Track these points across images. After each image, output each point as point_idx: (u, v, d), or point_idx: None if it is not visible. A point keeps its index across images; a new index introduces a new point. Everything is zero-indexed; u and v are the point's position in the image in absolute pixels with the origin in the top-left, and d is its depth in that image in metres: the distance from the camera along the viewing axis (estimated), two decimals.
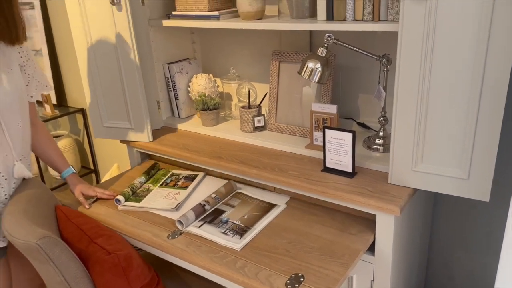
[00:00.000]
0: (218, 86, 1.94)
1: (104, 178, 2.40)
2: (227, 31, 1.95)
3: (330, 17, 1.39)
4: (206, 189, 1.60)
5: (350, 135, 1.33)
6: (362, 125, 1.66)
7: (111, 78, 1.72)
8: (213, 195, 1.50)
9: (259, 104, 1.75)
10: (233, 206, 1.47)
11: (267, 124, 1.75)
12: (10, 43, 1.27)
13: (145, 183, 1.69)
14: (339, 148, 1.37)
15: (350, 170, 1.37)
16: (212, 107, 1.83)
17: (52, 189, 2.81)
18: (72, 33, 1.71)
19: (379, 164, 1.39)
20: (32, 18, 2.75)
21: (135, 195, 1.61)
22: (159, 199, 1.56)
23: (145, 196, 1.59)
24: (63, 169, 1.58)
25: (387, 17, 1.29)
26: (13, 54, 1.31)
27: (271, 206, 1.46)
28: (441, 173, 1.22)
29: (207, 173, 1.71)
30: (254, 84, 1.90)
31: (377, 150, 1.49)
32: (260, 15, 1.58)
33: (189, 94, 1.95)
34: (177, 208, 1.49)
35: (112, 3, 1.56)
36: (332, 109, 1.47)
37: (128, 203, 1.55)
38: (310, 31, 1.70)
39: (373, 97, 1.47)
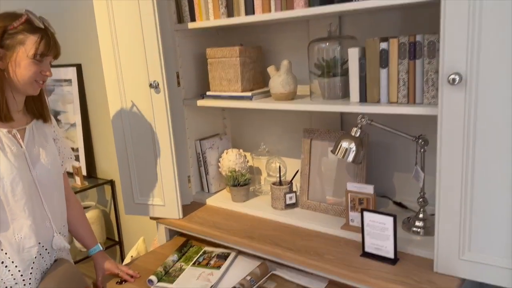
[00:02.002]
0: (248, 161, 1.94)
1: (130, 252, 2.36)
2: (255, 108, 1.99)
3: (363, 99, 1.41)
4: (240, 269, 1.54)
5: (391, 219, 1.28)
6: (399, 204, 1.61)
7: (145, 156, 1.75)
8: (248, 277, 1.44)
9: (291, 181, 1.74)
10: None
11: (298, 201, 1.72)
12: (45, 121, 1.41)
13: (177, 261, 1.66)
14: (379, 232, 1.31)
15: (391, 256, 1.30)
16: (243, 183, 1.82)
17: (76, 262, 2.77)
18: (110, 112, 1.77)
19: (421, 249, 1.33)
20: (69, 94, 2.89)
21: (168, 275, 1.57)
22: (193, 280, 1.52)
23: (177, 276, 1.55)
24: (91, 246, 1.58)
25: (422, 100, 1.29)
26: (47, 130, 1.41)
27: None
28: (491, 262, 1.14)
29: (239, 251, 1.66)
30: (284, 159, 1.90)
31: (418, 233, 1.42)
32: (292, 96, 1.61)
33: (219, 169, 1.96)
34: None
35: (151, 86, 1.62)
36: (369, 189, 1.44)
37: (161, 284, 1.51)
38: None
39: (412, 177, 1.44)
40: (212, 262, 1.61)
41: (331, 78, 1.50)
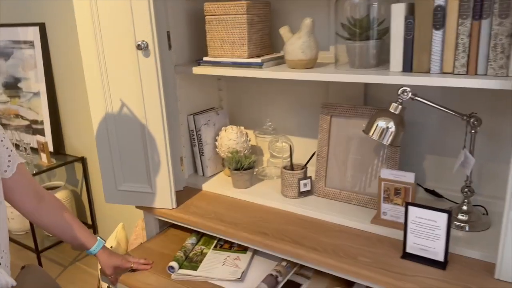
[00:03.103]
0: (250, 140, 1.67)
1: (108, 241, 2.07)
2: (260, 78, 1.70)
3: (407, 68, 1.15)
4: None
5: (444, 216, 1.06)
6: (432, 192, 1.39)
7: (130, 134, 1.44)
8: (284, 263, 1.26)
9: (306, 165, 1.48)
10: (308, 278, 1.23)
11: (314, 189, 1.47)
12: None
13: (196, 244, 1.47)
14: (427, 230, 1.09)
15: (441, 258, 1.09)
16: (247, 167, 1.55)
17: (45, 249, 2.46)
18: (86, 79, 1.44)
19: (472, 250, 1.12)
20: (31, 58, 2.49)
21: (189, 260, 1.38)
22: (218, 266, 1.35)
23: (200, 262, 1.37)
24: (90, 245, 1.28)
25: (486, 71, 1.05)
26: None
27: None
28: None
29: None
30: (291, 138, 1.65)
31: (461, 228, 1.21)
32: (312, 63, 1.34)
33: (216, 150, 1.68)
34: (242, 278, 1.28)
35: (139, 48, 1.30)
36: (409, 177, 1.21)
37: (183, 271, 1.33)
38: None
39: (458, 165, 1.21)
40: (235, 244, 1.44)
41: (363, 42, 1.23)
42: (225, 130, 1.65)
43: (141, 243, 1.93)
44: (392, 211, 1.25)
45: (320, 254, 1.16)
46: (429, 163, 1.42)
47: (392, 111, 1.20)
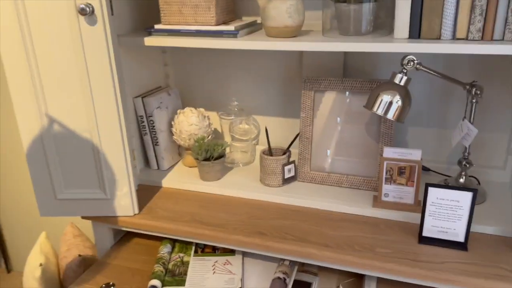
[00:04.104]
0: (212, 124, 1.44)
1: (32, 258, 1.67)
2: (217, 49, 1.46)
3: (415, 34, 1.03)
4: None
5: (468, 195, 0.98)
6: None
7: (72, 125, 1.11)
8: (286, 262, 1.10)
9: (288, 148, 1.31)
10: (315, 274, 1.11)
11: (298, 173, 1.32)
12: None
13: (172, 252, 1.22)
14: (449, 212, 1.01)
15: (461, 239, 1.02)
16: (218, 155, 1.33)
17: None
18: (2, 56, 1.06)
19: (483, 225, 1.07)
20: None
21: (170, 273, 1.14)
22: (209, 276, 1.14)
23: (185, 273, 1.14)
24: None
25: (503, 36, 0.97)
26: None
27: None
28: None
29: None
30: (258, 118, 1.47)
31: None
32: (298, 31, 1.15)
33: (173, 137, 1.41)
34: (243, 287, 1.09)
35: (82, 12, 0.97)
36: (415, 155, 1.11)
37: None
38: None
39: (460, 137, 1.15)
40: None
41: (358, 5, 1.08)
42: (183, 114, 1.40)
43: (79, 255, 1.61)
44: (394, 192, 1.15)
45: (335, 251, 1.02)
46: (412, 136, 1.36)
47: (397, 82, 1.08)
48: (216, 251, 1.22)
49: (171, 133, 1.43)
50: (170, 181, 1.36)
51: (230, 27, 1.16)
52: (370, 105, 1.10)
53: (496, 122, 1.24)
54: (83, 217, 1.23)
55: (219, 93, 1.52)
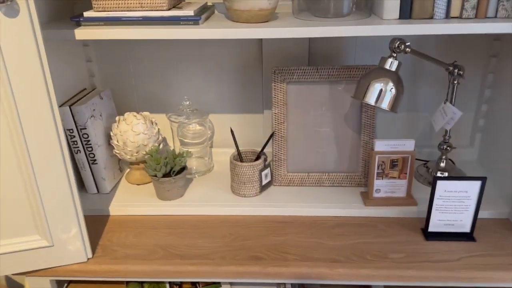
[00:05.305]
0: (158, 130, 1.20)
1: None
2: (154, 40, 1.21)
3: (405, 14, 0.93)
4: None
5: (478, 184, 0.93)
6: None
7: None
8: (288, 285, 0.96)
9: (262, 150, 1.14)
10: None
11: (274, 177, 1.16)
12: None
13: None
14: (456, 203, 0.95)
15: (468, 230, 0.97)
16: (180, 169, 1.10)
17: None
18: None
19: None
20: None
21: None
22: None
23: None
24: None
25: (496, 13, 0.92)
26: None
27: None
28: None
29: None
30: (212, 116, 1.27)
31: None
32: (272, 15, 0.97)
33: (115, 151, 1.15)
34: None
35: (2, 1, 0.67)
36: (409, 145, 1.03)
37: None
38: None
39: (443, 121, 1.09)
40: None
41: None
42: (125, 121, 1.13)
43: None
44: (386, 186, 1.06)
45: (347, 266, 0.90)
46: (379, 121, 1.28)
47: (387, 67, 0.97)
48: (198, 285, 1.02)
49: (110, 146, 1.15)
50: (119, 207, 1.10)
51: (188, 12, 0.93)
52: (360, 94, 0.98)
53: (463, 101, 1.22)
54: (19, 274, 0.92)
55: (162, 92, 1.27)
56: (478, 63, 1.19)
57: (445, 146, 1.14)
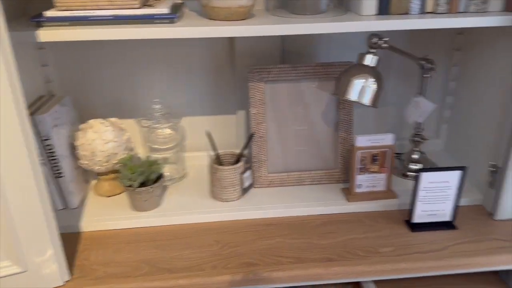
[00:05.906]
0: (129, 136, 1.13)
1: None
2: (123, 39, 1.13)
3: (384, 10, 0.94)
4: None
5: (458, 173, 0.96)
6: None
7: None
8: None
9: (242, 152, 1.10)
10: None
11: (255, 179, 1.13)
12: None
13: None
14: (438, 194, 0.97)
15: (449, 218, 1.01)
16: (156, 178, 1.04)
17: None
18: None
19: None
20: None
21: None
22: None
23: None
24: None
25: (467, 8, 0.95)
26: None
27: None
28: None
29: None
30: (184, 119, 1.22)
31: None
32: (250, 12, 0.94)
33: (80, 162, 1.06)
34: None
35: None
36: (388, 139, 1.04)
37: None
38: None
39: (416, 115, 1.12)
40: None
41: None
42: (92, 129, 1.05)
43: None
44: (368, 181, 1.07)
45: (342, 264, 0.89)
46: None
47: (367, 63, 0.98)
48: None
49: (75, 157, 1.06)
50: (92, 222, 1.01)
51: (163, 10, 0.88)
52: (341, 91, 0.98)
53: (428, 93, 1.25)
54: None
55: (129, 95, 1.19)
56: (442, 56, 1.23)
57: (417, 139, 1.17)
